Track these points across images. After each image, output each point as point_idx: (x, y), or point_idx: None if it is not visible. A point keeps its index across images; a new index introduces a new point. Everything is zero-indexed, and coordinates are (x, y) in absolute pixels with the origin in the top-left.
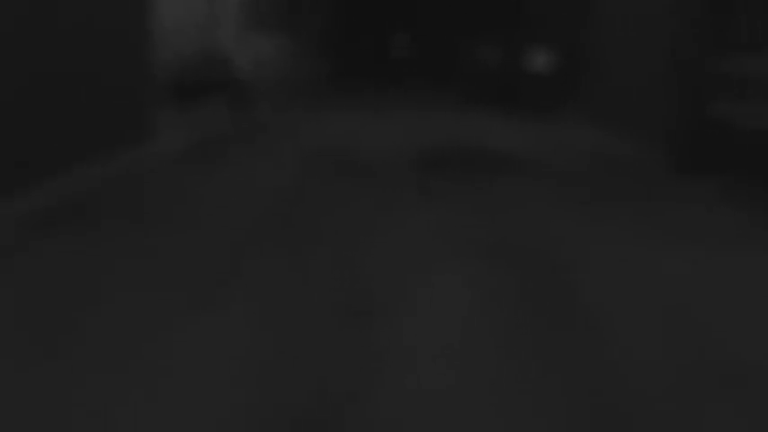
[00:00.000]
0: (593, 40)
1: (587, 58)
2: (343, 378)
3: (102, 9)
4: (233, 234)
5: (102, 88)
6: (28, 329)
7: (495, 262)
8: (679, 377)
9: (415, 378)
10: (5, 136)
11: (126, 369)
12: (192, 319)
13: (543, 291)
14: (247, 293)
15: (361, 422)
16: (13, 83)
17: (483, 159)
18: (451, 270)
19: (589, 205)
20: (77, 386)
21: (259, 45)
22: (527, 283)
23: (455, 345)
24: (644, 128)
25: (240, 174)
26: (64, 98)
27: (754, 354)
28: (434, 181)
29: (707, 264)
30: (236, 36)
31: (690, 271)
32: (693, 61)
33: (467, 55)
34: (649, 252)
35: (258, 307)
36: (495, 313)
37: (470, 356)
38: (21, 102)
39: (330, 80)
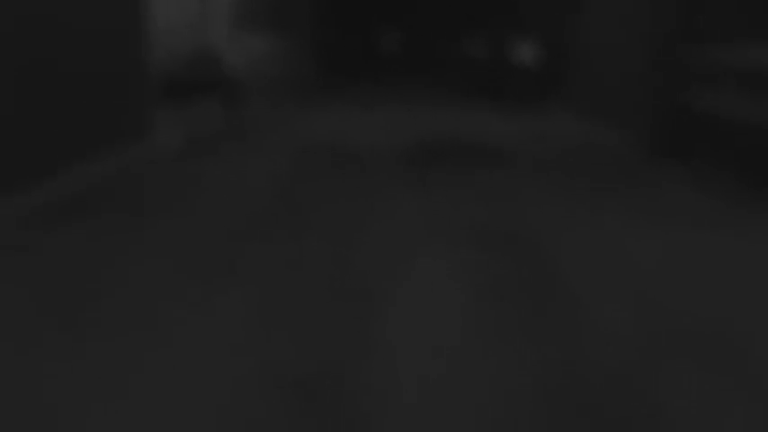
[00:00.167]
0: (577, 34)
1: (572, 52)
2: (340, 348)
3: (100, 12)
4: (231, 224)
5: (100, 88)
6: (45, 311)
7: (481, 246)
8: (643, 344)
9: (406, 346)
10: (6, 135)
11: (136, 340)
12: (195, 300)
13: (526, 271)
14: (246, 277)
15: (357, 384)
16: (15, 83)
17: (471, 152)
18: (440, 254)
19: (570, 192)
20: (97, 352)
21: (250, 44)
22: (511, 264)
23: (443, 319)
24: (624, 118)
25: (235, 169)
26: (63, 98)
27: (717, 322)
28: (424, 173)
29: (678, 243)
30: (227, 35)
31: (661, 250)
32: (668, 53)
33: (454, 50)
34: (625, 233)
35: (257, 289)
36: (481, 291)
37: (456, 329)
38: (21, 101)
39: (320, 77)
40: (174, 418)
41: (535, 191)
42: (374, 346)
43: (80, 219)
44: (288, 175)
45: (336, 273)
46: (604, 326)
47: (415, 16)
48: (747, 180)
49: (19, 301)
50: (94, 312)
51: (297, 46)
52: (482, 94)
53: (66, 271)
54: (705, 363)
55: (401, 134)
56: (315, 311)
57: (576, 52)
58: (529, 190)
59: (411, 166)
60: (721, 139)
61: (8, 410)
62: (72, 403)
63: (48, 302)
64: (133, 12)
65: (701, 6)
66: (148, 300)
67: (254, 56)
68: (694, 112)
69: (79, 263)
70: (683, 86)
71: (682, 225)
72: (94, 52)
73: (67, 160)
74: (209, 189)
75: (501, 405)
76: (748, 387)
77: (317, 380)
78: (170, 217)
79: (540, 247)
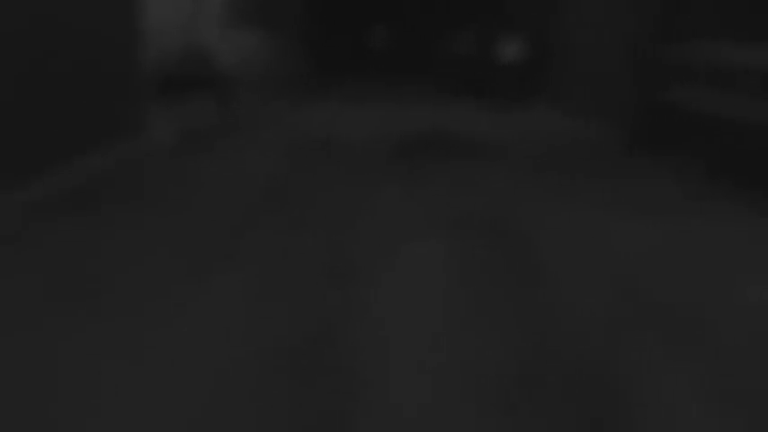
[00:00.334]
0: (561, 31)
1: (557, 50)
2: (333, 317)
3: (96, 11)
4: (228, 214)
5: (97, 85)
6: (51, 296)
7: (465, 232)
8: (613, 321)
9: (394, 316)
10: (7, 132)
11: (145, 315)
12: (197, 280)
13: (508, 255)
14: (245, 260)
15: (349, 348)
16: (14, 81)
17: (457, 145)
18: (427, 238)
19: (552, 182)
20: (110, 329)
21: (241, 41)
22: (493, 249)
23: (428, 297)
24: (607, 113)
25: (230, 162)
26: (61, 95)
27: (686, 301)
28: (412, 164)
29: (652, 230)
30: (219, 33)
31: (636, 236)
32: (647, 52)
33: (441, 47)
34: (602, 221)
35: (256, 270)
36: (465, 273)
37: (440, 306)
38: (20, 99)
39: (311, 74)
40: (178, 382)
41: (519, 182)
42: (364, 319)
43: (80, 212)
44: (281, 169)
45: (329, 257)
46: (579, 305)
47: (403, 14)
48: (720, 171)
49: (27, 288)
50: (98, 297)
51: (288, 43)
52: (469, 91)
53: (69, 260)
54: (667, 336)
55: (390, 129)
56: (308, 290)
57: (560, 50)
58: (513, 181)
59: (400, 160)
60: (697, 132)
61: (22, 387)
62: (83, 375)
63: (54, 289)
64: (128, 11)
65: (679, 7)
66: (149, 284)
67: (246, 53)
68: (672, 107)
69: (81, 253)
70: (662, 83)
71: (658, 214)
72: (91, 50)
73: (64, 157)
74: (205, 182)
75: (482, 370)
76: (707, 361)
77: (311, 346)
78: (167, 209)
79: (522, 234)
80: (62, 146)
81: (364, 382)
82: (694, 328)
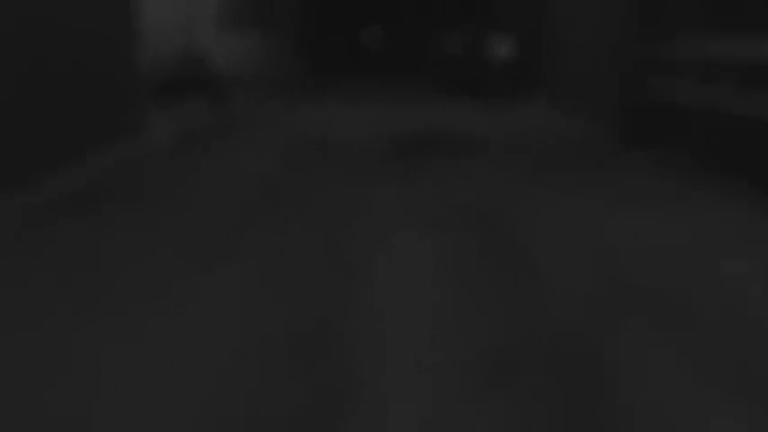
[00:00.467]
0: (551, 31)
1: (547, 50)
2: (332, 307)
3: (94, 16)
4: (226, 213)
5: (96, 87)
6: (59, 292)
7: (459, 226)
8: (595, 301)
9: (389, 308)
10: (8, 134)
11: (153, 306)
12: (196, 278)
13: (498, 243)
14: (245, 255)
15: (347, 334)
16: (16, 84)
17: (450, 142)
18: (420, 231)
19: (542, 176)
20: (122, 315)
21: (236, 43)
22: (485, 237)
23: (421, 283)
24: (596, 110)
25: (227, 162)
26: (60, 97)
27: (665, 283)
28: (407, 163)
29: (637, 220)
30: (214, 35)
31: (621, 226)
32: (632, 46)
33: (435, 46)
34: (589, 212)
35: (255, 264)
36: (456, 263)
37: (432, 290)
38: (21, 101)
39: (306, 74)
40: (184, 366)
41: (511, 178)
42: (360, 311)
43: (80, 212)
44: (278, 168)
45: (325, 255)
46: (564, 287)
47: (398, 14)
48: (706, 163)
49: (29, 287)
50: (100, 295)
51: (283, 44)
52: (462, 91)
53: (71, 259)
54: (649, 316)
55: (385, 129)
56: (306, 287)
57: (551, 50)
58: (505, 177)
59: (395, 159)
60: (683, 126)
61: (27, 381)
62: (86, 368)
63: (56, 287)
64: (125, 15)
65: (660, 4)
66: (150, 282)
67: (242, 54)
68: (657, 102)
69: (82, 252)
70: (646, 80)
71: (644, 204)
72: (89, 53)
73: (64, 158)
74: (203, 182)
75: (472, 352)
76: (688, 337)
77: (311, 332)
78: (166, 209)
79: (514, 226)
80: (62, 147)
81: (361, 365)
82: (675, 309)
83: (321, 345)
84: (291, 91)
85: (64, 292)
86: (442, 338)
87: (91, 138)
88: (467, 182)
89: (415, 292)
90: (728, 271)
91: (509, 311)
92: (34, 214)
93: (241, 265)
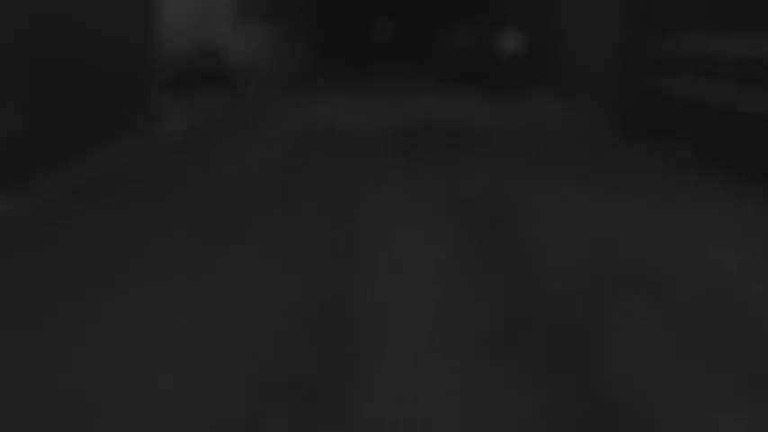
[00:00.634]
0: (559, 24)
1: (554, 41)
2: (341, 285)
3: (115, 14)
4: (239, 198)
5: (115, 81)
6: (85, 269)
7: (462, 211)
8: (589, 285)
9: (398, 285)
10: (33, 128)
11: (175, 282)
12: (214, 256)
13: (498, 231)
14: (259, 236)
15: (356, 311)
16: (46, 81)
17: (458, 133)
18: (425, 218)
19: (545, 166)
20: (147, 290)
21: (249, 36)
22: (486, 222)
23: (424, 265)
24: (600, 103)
25: (240, 152)
26: (85, 91)
27: (660, 268)
28: (414, 151)
29: (635, 209)
30: (228, 30)
31: (619, 214)
32: (636, 44)
33: (444, 39)
34: (588, 201)
35: (269, 245)
36: (457, 244)
37: (434, 271)
38: (44, 97)
39: (317, 66)
40: (205, 337)
41: (515, 167)
42: (367, 288)
43: (102, 197)
44: (289, 157)
45: (333, 238)
46: (560, 268)
47: (407, 8)
48: (704, 154)
49: (64, 265)
50: (127, 270)
51: (294, 38)
52: (471, 82)
53: (100, 238)
54: (632, 294)
55: (393, 119)
56: (316, 266)
57: (557, 43)
58: (509, 166)
59: (403, 148)
60: (683, 119)
61: (64, 350)
62: (123, 326)
63: (88, 264)
64: (143, 12)
65: (665, 2)
66: (172, 258)
67: (254, 48)
68: (658, 96)
69: (109, 231)
70: (648, 74)
71: (643, 193)
72: (109, 50)
73: (88, 147)
74: (217, 171)
75: (472, 325)
76: (672, 312)
77: (321, 309)
78: (184, 194)
79: (513, 211)
80: (85, 138)
81: (370, 335)
82: (662, 287)
83: (331, 317)
84: (302, 82)
85: (95, 263)
86: (443, 315)
87: (111, 130)
88: (472, 169)
89: (417, 274)
90: (714, 254)
91: (508, 286)
92: (63, 202)
93: (252, 246)
